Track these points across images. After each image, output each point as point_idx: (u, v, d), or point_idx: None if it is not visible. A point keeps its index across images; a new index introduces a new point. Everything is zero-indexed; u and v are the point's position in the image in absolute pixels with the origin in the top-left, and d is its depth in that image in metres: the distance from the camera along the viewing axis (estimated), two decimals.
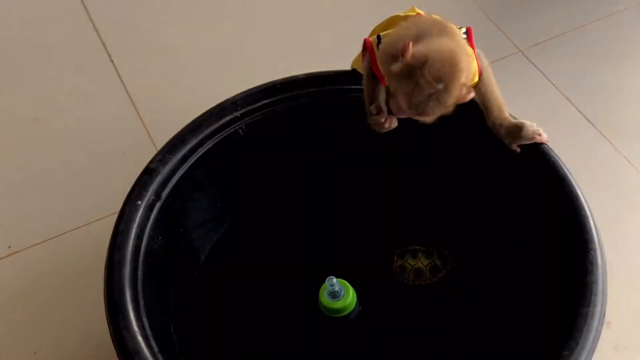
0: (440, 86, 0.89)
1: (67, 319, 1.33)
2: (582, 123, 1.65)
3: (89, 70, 1.79)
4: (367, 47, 1.04)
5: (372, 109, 1.03)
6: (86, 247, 1.42)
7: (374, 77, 1.04)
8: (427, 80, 0.88)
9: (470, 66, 0.94)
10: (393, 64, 0.92)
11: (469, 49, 1.00)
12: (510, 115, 1.07)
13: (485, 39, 1.82)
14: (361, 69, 1.10)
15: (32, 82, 1.76)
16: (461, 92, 0.91)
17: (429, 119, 0.94)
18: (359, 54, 1.14)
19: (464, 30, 1.03)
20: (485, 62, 1.04)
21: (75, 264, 1.40)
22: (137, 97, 1.71)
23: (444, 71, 0.88)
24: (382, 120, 1.02)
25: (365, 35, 1.09)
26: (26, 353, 1.29)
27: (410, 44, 0.89)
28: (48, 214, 1.49)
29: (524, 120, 1.06)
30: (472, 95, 0.93)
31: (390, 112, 1.02)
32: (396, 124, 1.04)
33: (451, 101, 0.91)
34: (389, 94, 1.03)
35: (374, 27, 1.13)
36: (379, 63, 1.01)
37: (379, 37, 1.03)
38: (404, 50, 0.89)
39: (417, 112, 0.92)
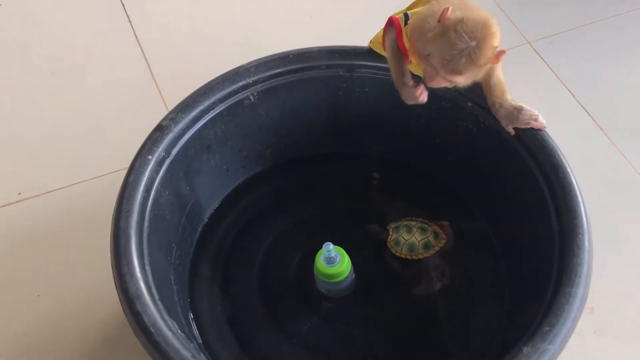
0: (473, 43, 0.92)
1: (71, 266, 1.37)
2: (583, 116, 1.67)
3: (106, 31, 1.82)
4: (394, 23, 1.06)
5: (408, 80, 1.06)
6: (94, 199, 1.46)
7: (399, 51, 1.06)
8: (460, 35, 0.92)
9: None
10: (428, 32, 0.95)
11: None
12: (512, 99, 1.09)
13: None
14: (385, 46, 1.10)
15: (51, 38, 1.79)
16: (493, 53, 0.94)
17: (461, 78, 0.96)
18: (378, 34, 1.15)
19: None
20: None
21: (82, 215, 1.44)
22: (153, 60, 1.75)
23: (477, 29, 0.92)
24: (418, 92, 1.05)
25: (381, 11, 1.10)
26: (29, 295, 1.33)
27: (450, 8, 0.92)
28: (59, 164, 1.53)
29: (523, 104, 1.08)
30: (502, 57, 0.95)
31: (422, 83, 1.04)
32: (427, 98, 1.06)
33: (483, 60, 0.93)
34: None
35: (389, 5, 1.14)
36: (408, 37, 1.03)
37: (406, 15, 1.04)
38: (442, 15, 0.92)
39: (449, 69, 0.94)
